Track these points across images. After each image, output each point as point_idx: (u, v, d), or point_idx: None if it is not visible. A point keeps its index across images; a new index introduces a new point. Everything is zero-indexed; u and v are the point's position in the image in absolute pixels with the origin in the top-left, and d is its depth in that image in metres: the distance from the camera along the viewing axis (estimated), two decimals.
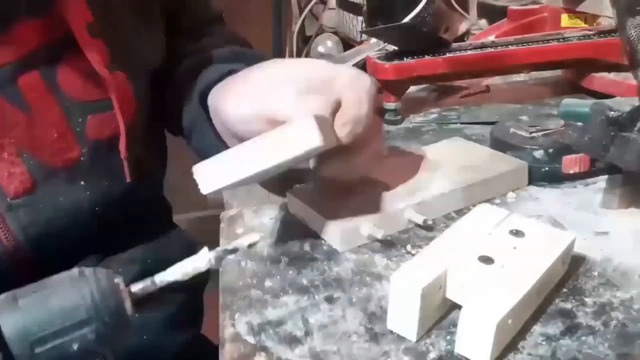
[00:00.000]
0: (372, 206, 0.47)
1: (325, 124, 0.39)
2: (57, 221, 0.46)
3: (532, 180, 0.54)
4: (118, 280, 0.31)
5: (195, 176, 0.39)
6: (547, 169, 0.54)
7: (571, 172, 0.54)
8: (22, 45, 0.43)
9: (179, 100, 0.56)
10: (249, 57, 0.53)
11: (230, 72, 0.48)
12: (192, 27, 0.65)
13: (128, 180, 0.50)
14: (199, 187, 0.39)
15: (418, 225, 0.47)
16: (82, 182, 0.47)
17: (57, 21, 0.44)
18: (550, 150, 0.54)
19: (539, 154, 0.54)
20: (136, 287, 0.32)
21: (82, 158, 0.47)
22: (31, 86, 0.44)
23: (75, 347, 0.29)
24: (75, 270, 0.30)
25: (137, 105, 0.52)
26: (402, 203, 0.48)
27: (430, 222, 0.48)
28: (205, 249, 0.33)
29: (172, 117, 0.59)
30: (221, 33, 0.66)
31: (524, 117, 0.59)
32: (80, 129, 0.47)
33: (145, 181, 0.54)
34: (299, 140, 0.37)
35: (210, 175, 0.39)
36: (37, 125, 0.45)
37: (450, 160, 0.54)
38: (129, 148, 0.49)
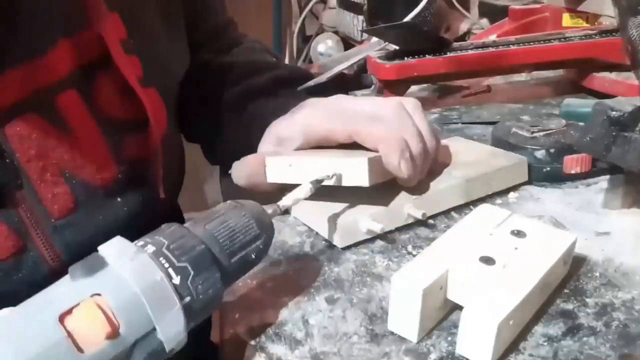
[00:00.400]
0: (370, 201, 0.47)
1: (377, 163, 0.45)
2: (96, 238, 0.45)
3: (533, 180, 0.54)
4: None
5: (266, 166, 0.48)
6: (548, 169, 0.54)
7: (572, 172, 0.54)
8: (60, 65, 0.43)
9: (221, 128, 0.60)
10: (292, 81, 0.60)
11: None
12: (209, 35, 0.67)
13: (162, 196, 0.50)
14: (267, 175, 0.48)
15: (417, 220, 0.47)
16: (119, 199, 0.47)
17: (92, 39, 0.44)
18: (552, 150, 0.54)
19: (540, 154, 0.54)
20: (269, 210, 0.38)
21: (119, 176, 0.47)
22: (70, 106, 0.44)
23: (253, 256, 0.35)
24: (228, 202, 0.36)
25: (168, 120, 0.52)
26: (401, 198, 0.48)
27: (429, 218, 0.48)
28: (306, 182, 0.42)
29: (206, 136, 0.64)
30: (239, 43, 0.68)
31: (526, 117, 0.59)
32: (117, 148, 0.47)
33: (171, 190, 0.55)
34: (351, 176, 0.44)
35: (277, 170, 0.48)
36: (77, 145, 0.44)
37: (449, 157, 0.55)
38: (164, 163, 0.49)
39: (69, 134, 0.44)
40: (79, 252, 0.43)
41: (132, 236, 0.50)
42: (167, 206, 0.55)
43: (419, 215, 0.46)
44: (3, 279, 0.41)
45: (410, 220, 0.48)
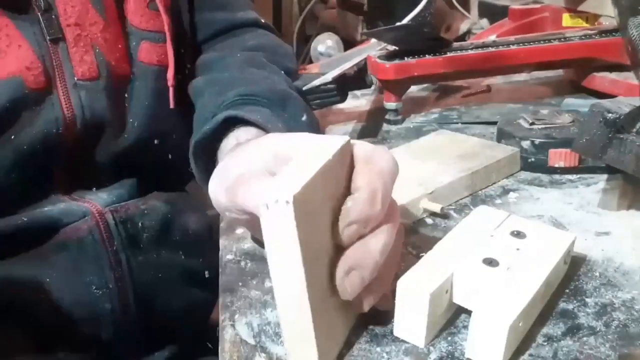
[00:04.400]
0: None
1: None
2: (107, 110, 0.54)
3: (521, 169, 0.57)
4: None
5: None
6: (533, 159, 0.56)
7: (557, 165, 0.55)
8: None
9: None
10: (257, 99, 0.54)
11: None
12: (211, 31, 0.68)
13: (172, 106, 0.58)
14: None
15: (433, 214, 0.49)
16: (131, 94, 0.56)
17: None
18: (537, 142, 0.55)
19: (525, 144, 0.56)
20: None
21: (131, 76, 0.56)
22: (109, 2, 0.54)
23: None
24: None
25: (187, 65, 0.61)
26: (416, 193, 0.48)
27: (427, 218, 0.49)
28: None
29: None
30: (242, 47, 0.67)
31: (544, 111, 0.60)
32: (134, 52, 0.56)
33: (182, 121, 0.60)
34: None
35: None
36: (108, 32, 0.54)
37: (445, 151, 0.56)
38: (176, 77, 0.57)
39: (105, 20, 0.53)
40: (87, 115, 0.52)
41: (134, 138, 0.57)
42: (175, 122, 0.60)
43: (437, 209, 0.48)
44: (25, 119, 0.49)
45: (425, 215, 0.49)
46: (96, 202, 0.55)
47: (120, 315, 0.54)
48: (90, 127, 0.53)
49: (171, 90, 0.57)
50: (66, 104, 0.51)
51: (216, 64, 0.62)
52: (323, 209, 0.32)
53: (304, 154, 0.33)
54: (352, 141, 0.36)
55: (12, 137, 0.49)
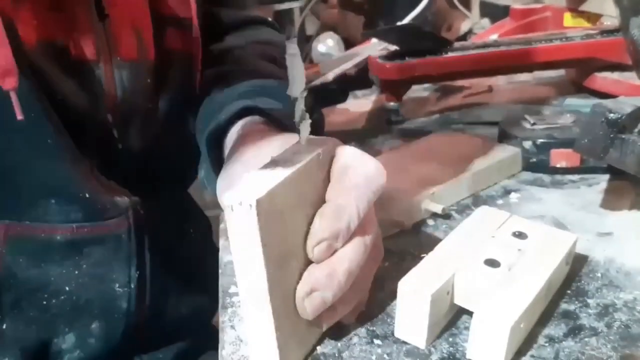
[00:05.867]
0: (390, 199, 0.47)
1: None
2: (139, 95, 0.54)
3: (523, 169, 0.57)
4: None
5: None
6: (534, 160, 0.56)
7: (559, 165, 0.55)
8: None
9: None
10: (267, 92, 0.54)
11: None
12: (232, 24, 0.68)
13: (197, 89, 0.57)
14: None
15: (434, 215, 0.49)
16: (149, 80, 0.54)
17: None
18: (539, 142, 0.55)
19: (527, 144, 0.56)
20: None
21: (156, 61, 0.54)
22: None
23: None
24: None
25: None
26: (417, 194, 0.48)
27: (428, 219, 0.49)
28: None
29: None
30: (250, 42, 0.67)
31: (546, 111, 0.60)
32: (158, 37, 0.55)
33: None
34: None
35: None
36: (145, 15, 0.53)
37: (447, 151, 0.56)
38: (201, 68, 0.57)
39: (143, 3, 0.53)
40: (129, 96, 0.52)
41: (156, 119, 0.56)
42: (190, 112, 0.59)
43: (438, 210, 0.48)
44: (70, 89, 0.48)
45: (426, 216, 0.49)
46: (129, 198, 0.54)
47: (133, 315, 0.53)
48: (126, 109, 0.53)
49: (198, 76, 0.57)
50: (109, 85, 0.51)
51: (227, 56, 0.63)
52: (297, 214, 0.32)
53: (284, 156, 0.33)
54: (339, 147, 0.35)
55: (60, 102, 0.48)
